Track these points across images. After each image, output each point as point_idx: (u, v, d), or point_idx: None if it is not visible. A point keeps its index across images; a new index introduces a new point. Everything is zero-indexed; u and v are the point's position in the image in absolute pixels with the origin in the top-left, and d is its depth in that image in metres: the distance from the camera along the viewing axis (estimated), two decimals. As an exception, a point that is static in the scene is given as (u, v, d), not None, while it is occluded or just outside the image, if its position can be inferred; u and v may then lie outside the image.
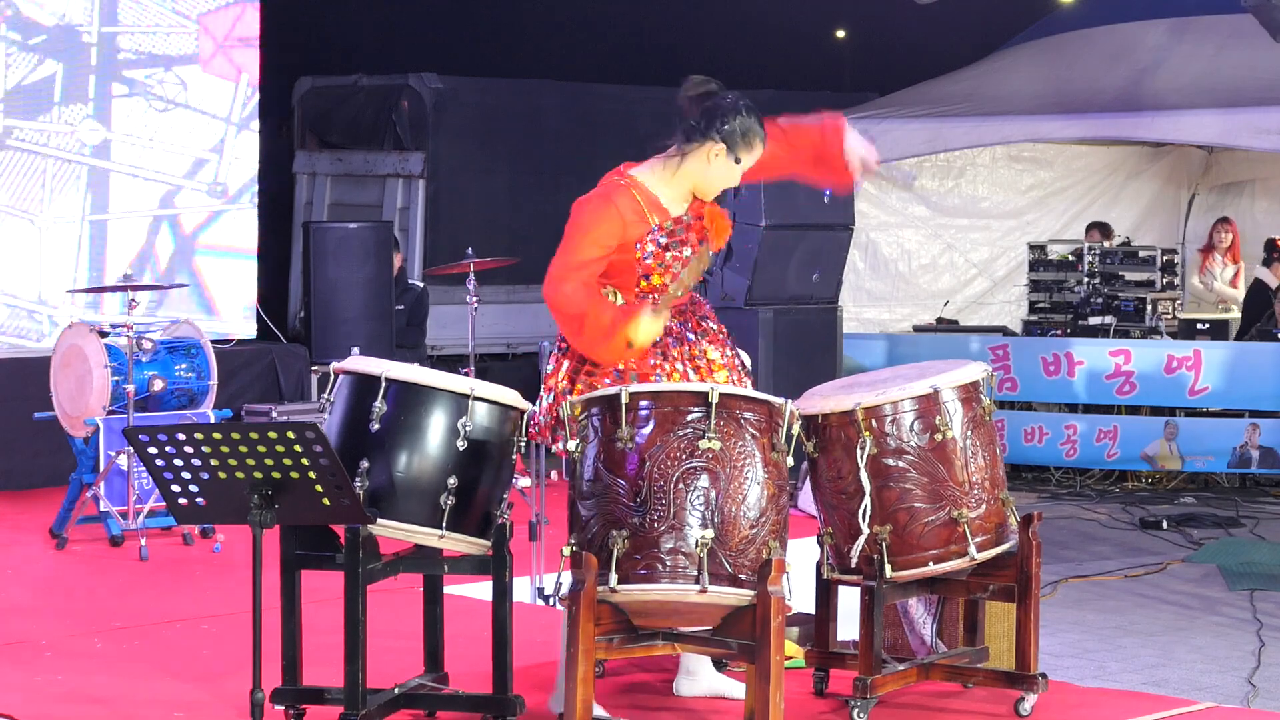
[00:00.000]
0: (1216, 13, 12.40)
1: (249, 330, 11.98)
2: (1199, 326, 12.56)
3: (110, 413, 8.76)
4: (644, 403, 5.01)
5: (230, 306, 11.83)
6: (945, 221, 14.04)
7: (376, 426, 5.21)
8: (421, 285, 11.94)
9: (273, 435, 4.72)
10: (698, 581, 4.89)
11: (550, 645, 5.54)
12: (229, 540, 8.69)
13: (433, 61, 14.49)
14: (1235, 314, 13.27)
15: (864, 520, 5.47)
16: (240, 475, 4.79)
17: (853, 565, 5.56)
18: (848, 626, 5.90)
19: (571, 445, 5.07)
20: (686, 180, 5.47)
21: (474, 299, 10.51)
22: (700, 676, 5.82)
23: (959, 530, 5.50)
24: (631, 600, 4.98)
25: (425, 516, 5.21)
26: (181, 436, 4.76)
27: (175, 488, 4.87)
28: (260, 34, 11.87)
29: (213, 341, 9.39)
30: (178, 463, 4.81)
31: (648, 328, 5.27)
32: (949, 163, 13.85)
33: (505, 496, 5.37)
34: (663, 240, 5.41)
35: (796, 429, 5.13)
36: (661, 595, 4.93)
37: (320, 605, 5.59)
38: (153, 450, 4.80)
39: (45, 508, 9.37)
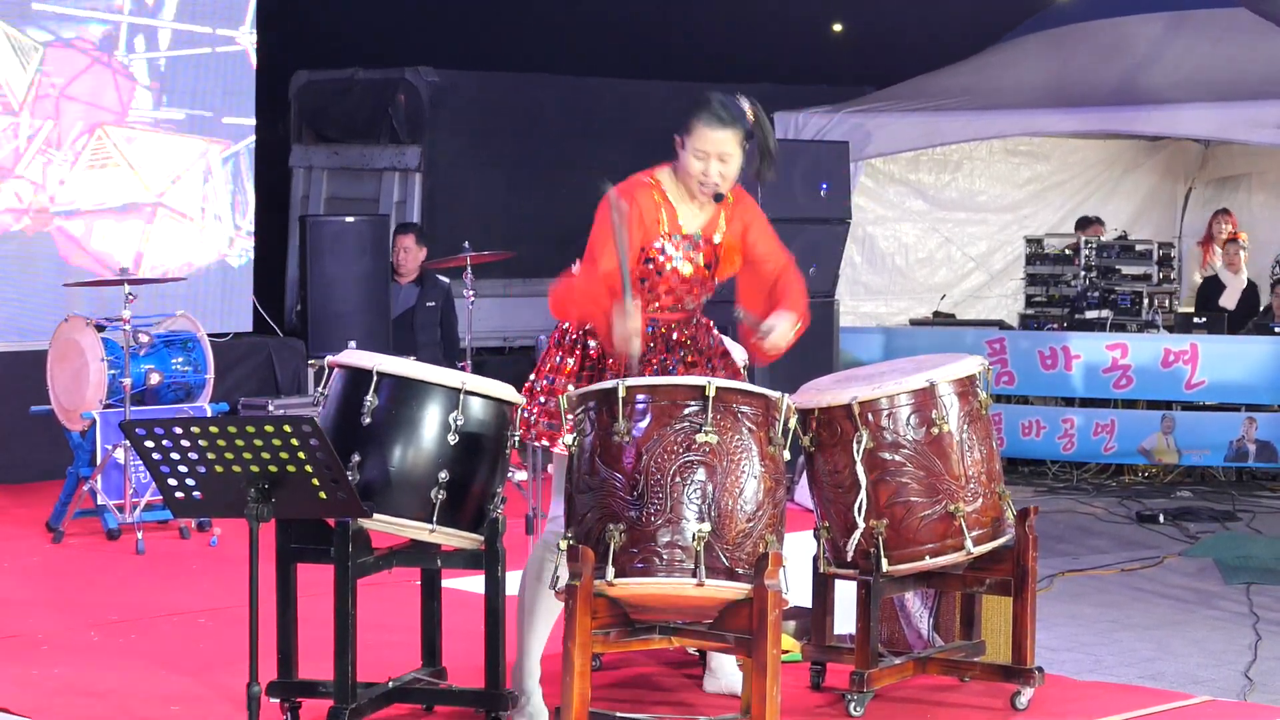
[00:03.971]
0: (1213, 6, 12.40)
1: (246, 324, 11.97)
2: (1196, 320, 12.57)
3: (107, 406, 8.77)
4: (640, 396, 5.01)
5: (227, 300, 11.83)
6: (942, 215, 14.04)
7: (368, 420, 5.22)
8: (448, 281, 11.83)
9: (269, 429, 4.72)
10: (694, 575, 4.89)
11: (549, 639, 5.54)
12: (225, 534, 8.69)
13: (429, 55, 14.45)
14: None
15: (860, 514, 5.47)
16: (237, 469, 4.79)
17: (849, 559, 5.56)
18: (844, 620, 5.90)
19: (569, 439, 5.08)
20: (683, 179, 5.46)
21: (470, 293, 10.51)
22: (719, 675, 5.83)
23: (955, 524, 5.50)
24: (628, 594, 4.98)
25: (416, 510, 5.21)
26: (178, 430, 4.76)
27: (172, 481, 4.87)
28: (257, 28, 11.87)
29: (209, 335, 9.39)
30: (174, 456, 4.80)
31: (629, 322, 5.24)
32: (946, 156, 13.84)
33: (499, 491, 5.37)
34: (669, 250, 5.42)
35: (793, 423, 5.14)
36: (658, 589, 4.94)
37: (316, 599, 5.59)
38: (149, 444, 4.79)
39: (42, 502, 9.36)
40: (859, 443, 5.47)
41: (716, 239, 5.51)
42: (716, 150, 5.37)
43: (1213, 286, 13.47)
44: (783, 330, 5.44)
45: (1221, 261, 13.57)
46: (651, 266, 5.41)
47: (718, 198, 5.44)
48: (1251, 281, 13.31)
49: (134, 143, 11.42)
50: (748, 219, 5.58)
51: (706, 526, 4.91)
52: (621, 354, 5.27)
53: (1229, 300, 13.21)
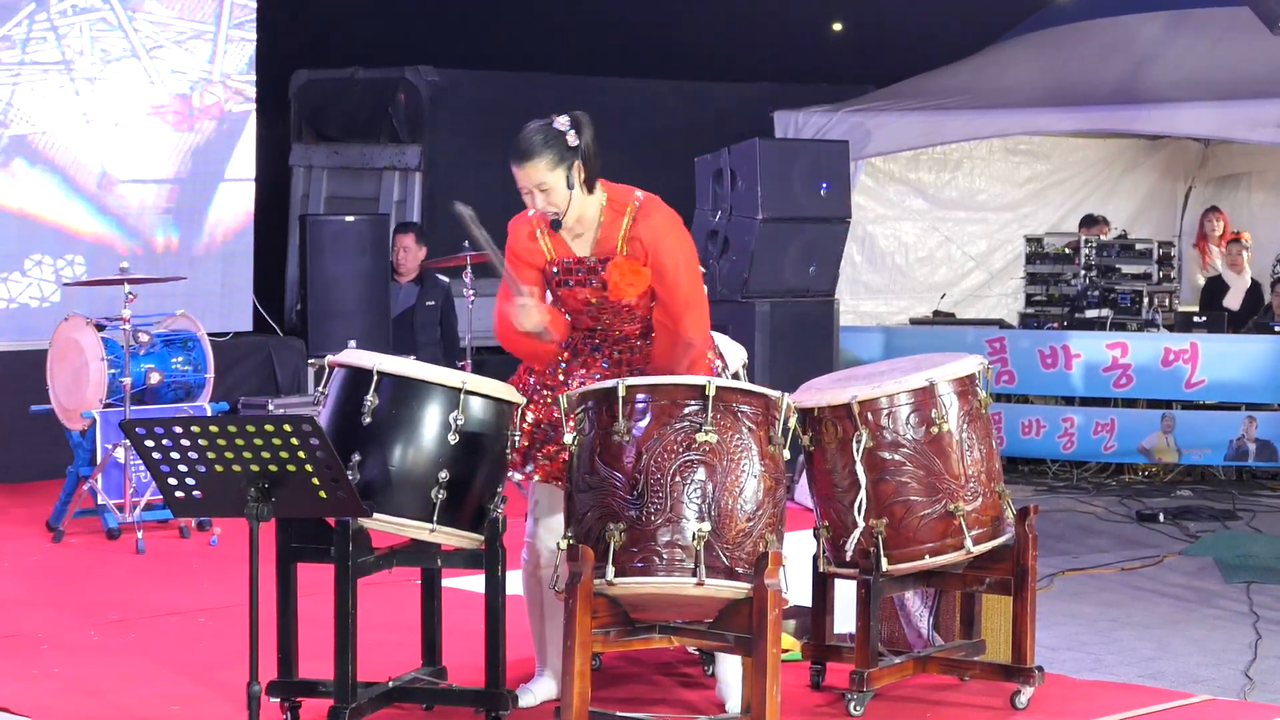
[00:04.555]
0: (1213, 5, 12.41)
1: (246, 323, 11.97)
2: (1196, 319, 12.57)
3: (107, 405, 8.76)
4: (640, 396, 5.01)
5: (227, 300, 11.82)
6: (942, 214, 14.04)
7: (368, 420, 5.22)
8: (448, 280, 11.83)
9: (269, 428, 4.72)
10: (694, 574, 4.89)
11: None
12: (225, 533, 8.68)
13: (429, 54, 14.45)
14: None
15: (860, 513, 5.47)
16: (237, 468, 4.79)
17: (849, 558, 5.56)
18: (844, 619, 5.90)
19: (569, 438, 5.08)
20: None
21: (470, 292, 10.50)
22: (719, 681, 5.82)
23: (955, 523, 5.50)
24: (628, 593, 4.98)
25: (416, 510, 5.21)
26: (178, 429, 4.76)
27: (172, 481, 4.87)
28: (257, 27, 11.87)
29: (209, 334, 9.38)
30: (174, 456, 4.80)
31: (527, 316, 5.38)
32: (946, 155, 13.85)
33: (499, 490, 5.37)
34: (555, 273, 5.49)
35: (793, 422, 5.14)
36: (658, 588, 4.94)
37: (316, 598, 5.59)
38: (149, 443, 4.79)
39: (42, 501, 9.36)
40: (859, 442, 5.47)
41: (607, 260, 5.46)
42: (531, 184, 5.43)
43: (1217, 287, 13.47)
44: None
45: (1223, 262, 13.58)
46: (553, 285, 5.50)
47: (555, 225, 5.43)
48: (1255, 281, 13.31)
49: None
50: (652, 242, 5.43)
51: (706, 526, 4.91)
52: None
53: (1233, 300, 13.21)
